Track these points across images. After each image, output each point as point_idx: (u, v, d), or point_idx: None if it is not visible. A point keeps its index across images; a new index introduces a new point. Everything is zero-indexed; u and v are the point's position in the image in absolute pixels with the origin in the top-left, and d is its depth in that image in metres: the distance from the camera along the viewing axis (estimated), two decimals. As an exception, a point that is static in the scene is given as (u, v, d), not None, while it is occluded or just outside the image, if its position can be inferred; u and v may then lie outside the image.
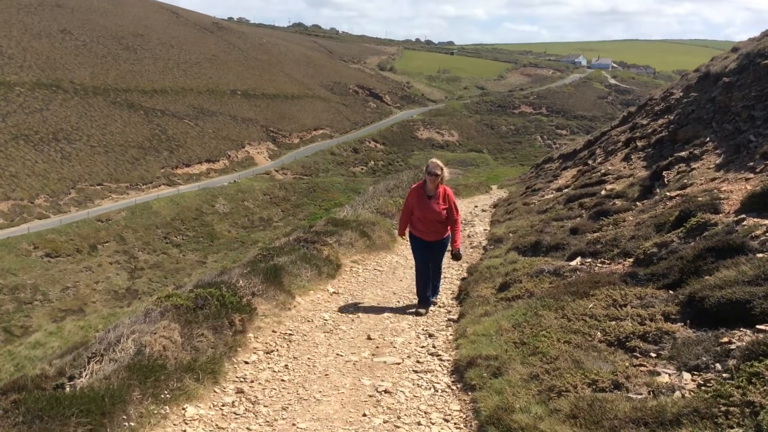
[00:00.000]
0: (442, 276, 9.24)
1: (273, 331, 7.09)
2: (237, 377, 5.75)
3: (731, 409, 3.43)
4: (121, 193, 62.24)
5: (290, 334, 7.04)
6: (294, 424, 4.85)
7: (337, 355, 6.47)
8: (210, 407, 5.08)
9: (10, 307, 40.82)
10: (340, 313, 8.08)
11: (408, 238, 8.76)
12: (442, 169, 8.02)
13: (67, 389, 4.81)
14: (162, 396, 4.81)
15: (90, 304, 43.51)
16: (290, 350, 6.57)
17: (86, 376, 5.12)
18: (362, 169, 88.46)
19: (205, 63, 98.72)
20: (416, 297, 8.57)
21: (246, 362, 6.12)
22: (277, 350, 6.53)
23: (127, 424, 4.36)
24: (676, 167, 10.88)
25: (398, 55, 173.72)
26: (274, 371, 5.96)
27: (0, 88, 66.69)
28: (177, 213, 61.09)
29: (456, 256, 8.38)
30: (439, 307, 8.60)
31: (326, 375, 5.90)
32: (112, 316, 26.67)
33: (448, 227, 8.25)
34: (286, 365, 6.12)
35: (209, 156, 76.10)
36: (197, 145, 76.53)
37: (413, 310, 8.28)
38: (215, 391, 5.36)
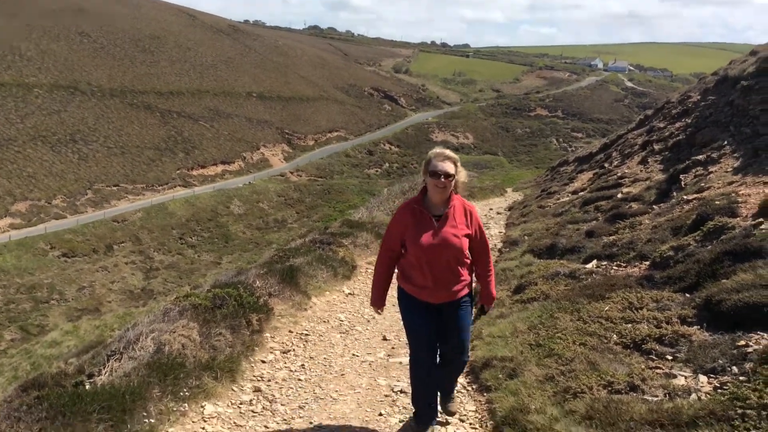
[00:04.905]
0: (467, 361, 4.78)
1: (289, 331, 7.15)
2: (254, 376, 5.80)
3: (748, 411, 3.44)
4: (137, 194, 62.65)
5: (306, 335, 7.10)
6: (311, 423, 4.90)
7: (353, 355, 6.52)
8: (228, 405, 5.14)
9: (27, 306, 41.24)
10: (355, 314, 8.12)
11: (398, 305, 4.53)
12: (456, 165, 4.17)
13: (87, 386, 4.88)
14: (181, 393, 4.87)
15: (105, 303, 43.85)
16: (307, 350, 6.63)
17: (106, 373, 5.18)
18: (377, 171, 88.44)
19: (221, 65, 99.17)
20: None
21: (263, 361, 6.18)
22: (294, 350, 6.59)
23: (147, 420, 4.42)
24: (694, 171, 10.83)
25: (413, 57, 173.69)
26: (291, 370, 6.01)
27: (18, 89, 67.50)
28: (192, 214, 61.42)
29: (482, 311, 4.73)
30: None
31: (342, 375, 5.94)
32: (128, 315, 26.85)
33: (466, 274, 4.34)
34: (303, 365, 6.17)
35: (224, 157, 76.39)
36: (212, 146, 76.89)
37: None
38: (233, 390, 5.41)
